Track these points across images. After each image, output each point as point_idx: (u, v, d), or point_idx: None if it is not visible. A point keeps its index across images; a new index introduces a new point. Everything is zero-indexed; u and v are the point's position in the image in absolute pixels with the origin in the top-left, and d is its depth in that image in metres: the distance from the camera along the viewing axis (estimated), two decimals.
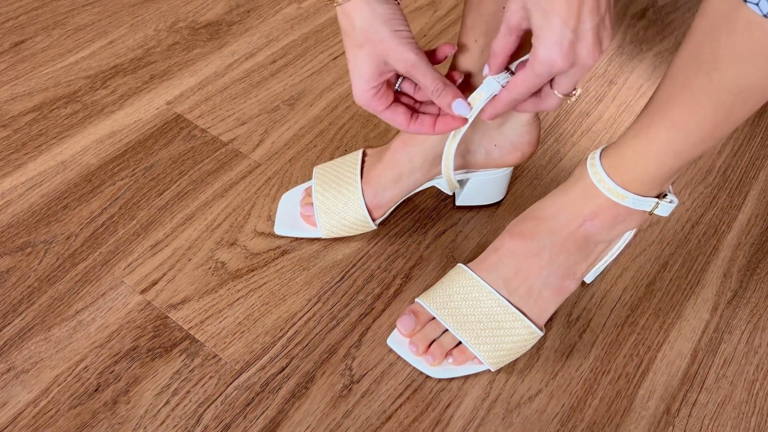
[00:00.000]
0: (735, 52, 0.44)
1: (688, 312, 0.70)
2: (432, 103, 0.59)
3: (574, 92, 0.54)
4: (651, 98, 0.54)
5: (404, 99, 0.59)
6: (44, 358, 0.62)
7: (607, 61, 0.97)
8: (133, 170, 0.78)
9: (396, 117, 0.57)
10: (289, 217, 0.72)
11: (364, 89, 0.54)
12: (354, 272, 0.70)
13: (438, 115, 0.58)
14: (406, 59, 0.52)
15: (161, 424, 0.59)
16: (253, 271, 0.70)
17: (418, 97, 0.60)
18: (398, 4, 0.52)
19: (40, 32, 0.93)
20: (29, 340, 0.63)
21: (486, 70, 0.55)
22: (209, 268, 0.70)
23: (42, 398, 0.60)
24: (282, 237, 0.72)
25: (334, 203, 0.69)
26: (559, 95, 0.53)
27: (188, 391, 0.61)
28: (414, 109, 0.59)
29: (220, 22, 0.97)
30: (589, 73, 0.94)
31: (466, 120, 0.57)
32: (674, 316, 0.69)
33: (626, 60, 0.97)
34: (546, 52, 0.47)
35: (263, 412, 0.60)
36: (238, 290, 0.68)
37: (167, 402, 0.60)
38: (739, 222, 0.78)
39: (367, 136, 0.83)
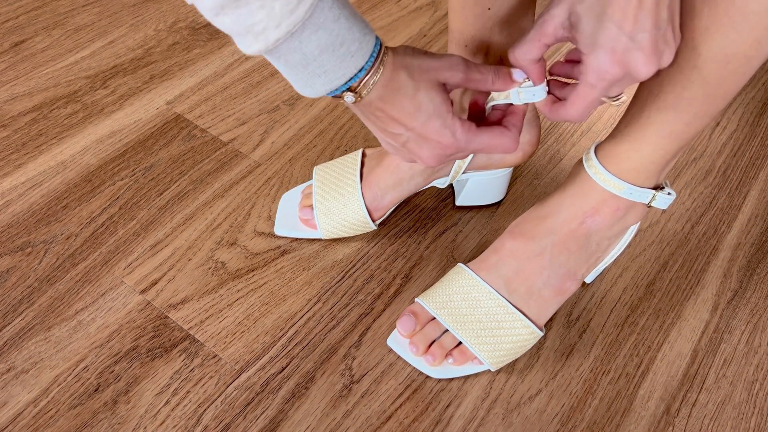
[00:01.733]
0: (719, 23, 0.44)
1: (688, 312, 0.70)
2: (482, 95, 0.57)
3: (620, 96, 0.51)
4: (640, 85, 0.54)
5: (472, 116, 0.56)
6: (44, 358, 0.62)
7: None
8: (133, 170, 0.78)
9: (496, 136, 0.52)
10: (289, 218, 0.72)
11: (446, 123, 0.50)
12: (354, 272, 0.70)
13: (501, 124, 0.55)
14: (452, 65, 0.49)
15: (161, 424, 0.59)
16: (253, 271, 0.70)
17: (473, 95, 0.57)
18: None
19: (40, 32, 0.93)
20: (29, 340, 0.63)
21: (518, 75, 0.52)
22: (209, 268, 0.70)
23: (42, 398, 0.60)
24: (282, 237, 0.72)
25: (334, 204, 0.69)
26: (604, 98, 0.50)
27: (188, 391, 0.61)
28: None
29: None
30: None
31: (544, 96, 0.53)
32: (674, 316, 0.69)
33: None
34: (597, 60, 0.45)
35: (263, 412, 0.60)
36: (238, 290, 0.68)
37: (167, 402, 0.60)
38: (739, 222, 0.78)
39: (367, 136, 0.83)
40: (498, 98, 0.53)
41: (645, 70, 0.45)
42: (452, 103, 0.51)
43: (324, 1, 0.41)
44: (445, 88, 0.50)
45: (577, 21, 0.45)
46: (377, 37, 0.46)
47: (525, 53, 0.49)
